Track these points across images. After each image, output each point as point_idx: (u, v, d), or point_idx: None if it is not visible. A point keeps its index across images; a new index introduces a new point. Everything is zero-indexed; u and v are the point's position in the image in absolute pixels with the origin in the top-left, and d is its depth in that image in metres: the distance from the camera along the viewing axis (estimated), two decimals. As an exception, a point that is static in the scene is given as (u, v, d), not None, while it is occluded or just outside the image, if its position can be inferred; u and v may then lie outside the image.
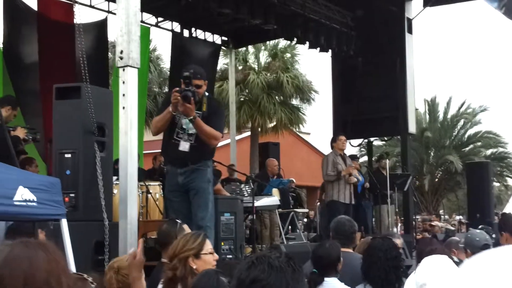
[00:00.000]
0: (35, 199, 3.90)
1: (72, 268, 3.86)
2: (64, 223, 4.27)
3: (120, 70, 5.36)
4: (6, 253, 1.55)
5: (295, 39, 12.92)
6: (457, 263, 3.43)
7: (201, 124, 5.82)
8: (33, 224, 4.69)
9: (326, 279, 4.34)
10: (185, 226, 4.86)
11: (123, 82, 5.33)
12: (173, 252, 3.58)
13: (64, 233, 4.22)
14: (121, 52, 5.35)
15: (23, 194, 3.81)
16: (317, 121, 58.85)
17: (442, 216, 27.85)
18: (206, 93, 6.10)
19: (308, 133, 33.57)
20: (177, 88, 5.72)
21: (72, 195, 5.42)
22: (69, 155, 5.58)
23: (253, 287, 1.65)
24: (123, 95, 5.33)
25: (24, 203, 3.83)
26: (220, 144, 6.80)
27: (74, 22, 7.50)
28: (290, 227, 12.36)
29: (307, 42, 12.72)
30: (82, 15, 10.47)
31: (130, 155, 5.36)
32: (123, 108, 5.34)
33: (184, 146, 5.97)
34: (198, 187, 6.04)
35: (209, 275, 2.98)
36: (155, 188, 8.18)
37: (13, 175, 4.13)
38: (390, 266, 4.25)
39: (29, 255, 1.55)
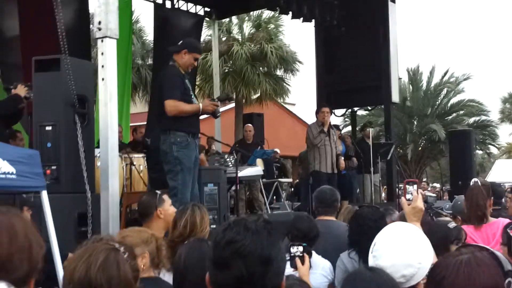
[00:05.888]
0: (15, 172, 3.89)
1: (53, 239, 3.87)
2: (44, 195, 4.27)
3: (99, 41, 5.31)
4: None
5: (278, 9, 12.82)
6: None
7: None
8: (14, 197, 4.68)
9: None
10: (165, 197, 4.87)
11: (102, 54, 5.28)
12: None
13: (45, 205, 4.22)
14: (99, 23, 5.29)
15: (2, 167, 3.80)
16: (303, 92, 58.78)
17: (424, 184, 28.04)
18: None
19: (293, 104, 33.54)
20: (217, 102, 6.46)
21: (53, 167, 5.41)
22: (50, 128, 5.57)
23: (228, 248, 1.65)
24: (102, 66, 5.29)
25: (3, 176, 3.82)
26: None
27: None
28: (275, 197, 12.47)
29: (290, 12, 12.63)
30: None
31: (110, 126, 5.34)
32: (102, 79, 5.30)
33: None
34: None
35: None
36: (139, 160, 8.17)
37: (-9, 148, 4.11)
38: None
39: (9, 219, 1.77)
